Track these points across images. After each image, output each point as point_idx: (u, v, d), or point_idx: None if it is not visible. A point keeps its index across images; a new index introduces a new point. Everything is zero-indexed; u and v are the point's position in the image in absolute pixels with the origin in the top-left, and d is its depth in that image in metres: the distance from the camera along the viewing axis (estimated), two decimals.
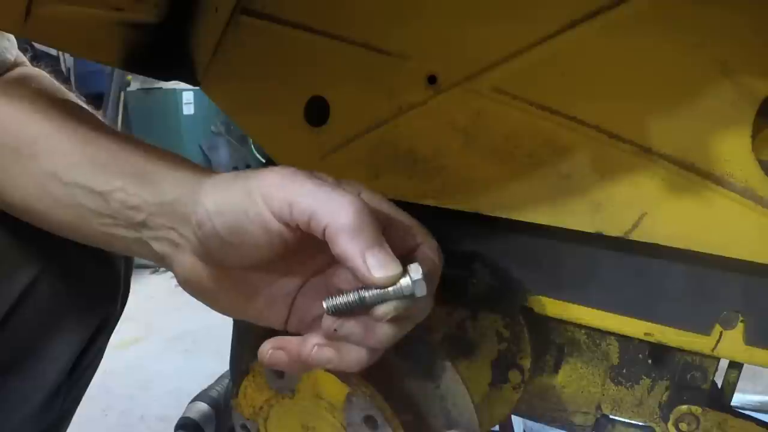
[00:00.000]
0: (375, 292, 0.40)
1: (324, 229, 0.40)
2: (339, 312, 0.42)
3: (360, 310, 0.41)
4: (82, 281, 0.68)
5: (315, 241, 0.42)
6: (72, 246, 0.57)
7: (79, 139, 0.52)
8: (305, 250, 0.46)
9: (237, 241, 0.43)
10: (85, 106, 0.61)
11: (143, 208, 0.48)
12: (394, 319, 0.42)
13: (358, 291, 0.41)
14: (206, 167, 0.52)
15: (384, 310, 0.41)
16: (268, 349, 0.46)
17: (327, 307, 0.42)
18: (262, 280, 0.49)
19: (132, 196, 0.48)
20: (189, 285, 0.49)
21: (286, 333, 0.51)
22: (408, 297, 0.40)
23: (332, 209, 0.40)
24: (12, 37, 0.64)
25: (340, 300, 0.41)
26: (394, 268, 0.40)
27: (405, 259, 0.43)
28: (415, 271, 0.40)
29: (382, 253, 0.40)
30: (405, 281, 0.40)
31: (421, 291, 0.40)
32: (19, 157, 0.53)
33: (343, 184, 0.47)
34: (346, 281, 0.47)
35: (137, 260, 0.78)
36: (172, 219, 0.47)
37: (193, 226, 0.45)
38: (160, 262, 0.50)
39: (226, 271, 0.47)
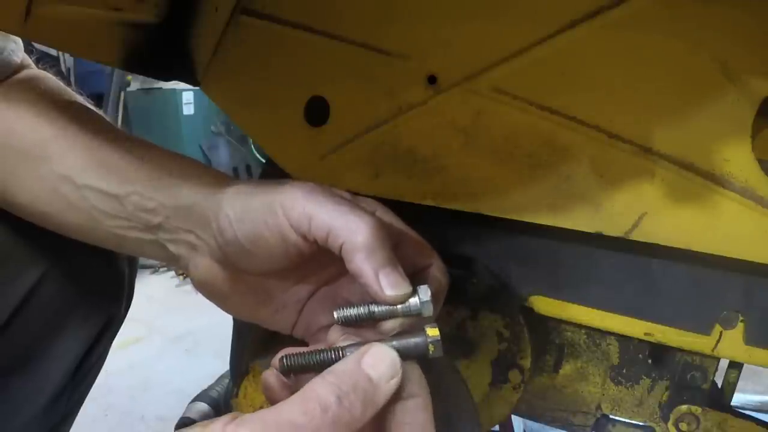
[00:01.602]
0: (384, 308, 0.42)
1: (341, 246, 0.41)
2: (348, 323, 0.43)
3: (368, 322, 0.43)
4: (87, 282, 0.68)
5: (328, 252, 0.43)
6: (77, 247, 0.57)
7: (92, 142, 0.53)
8: (318, 261, 0.47)
9: (255, 249, 0.44)
10: (93, 108, 0.61)
11: (160, 211, 0.49)
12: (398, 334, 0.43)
13: (368, 305, 0.42)
14: (223, 173, 0.53)
15: (391, 326, 0.42)
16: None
17: (337, 318, 0.43)
18: (276, 286, 0.49)
19: (148, 200, 0.49)
20: (203, 286, 0.50)
21: (291, 337, 0.51)
22: (414, 315, 0.42)
23: (350, 228, 0.41)
24: (18, 39, 0.64)
25: (351, 312, 0.43)
26: (405, 287, 0.41)
27: (414, 277, 0.44)
28: (424, 292, 0.42)
29: (395, 273, 0.41)
30: (414, 301, 0.41)
31: (428, 311, 0.42)
32: (28, 159, 0.53)
33: (360, 202, 0.48)
34: (354, 293, 0.48)
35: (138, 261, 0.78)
36: (191, 222, 0.48)
37: (214, 231, 0.46)
38: (175, 264, 0.51)
39: (241, 275, 0.48)
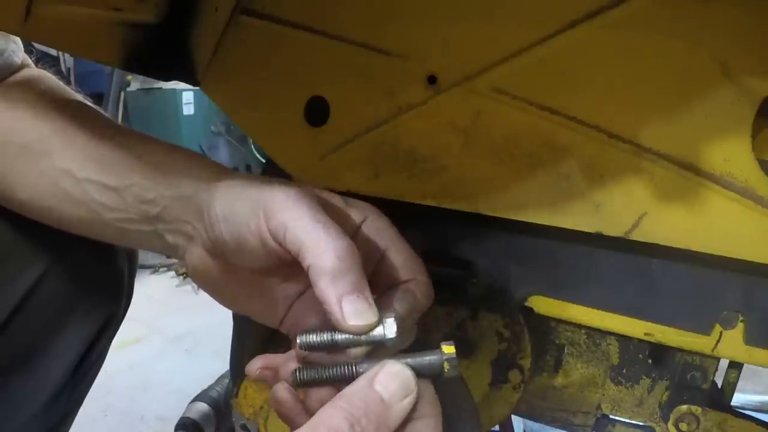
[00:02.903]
0: (347, 336, 0.40)
1: (308, 268, 0.40)
2: (311, 349, 0.41)
3: (331, 350, 0.41)
4: (86, 280, 0.68)
5: None
6: (76, 245, 0.57)
7: (92, 137, 0.53)
8: None
9: (239, 248, 0.44)
10: (93, 106, 0.62)
11: (159, 201, 0.49)
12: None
13: (331, 333, 0.40)
14: (220, 165, 0.53)
15: (356, 353, 0.40)
16: (256, 368, 0.47)
17: (300, 343, 0.41)
18: (265, 281, 0.49)
19: (147, 191, 0.50)
20: (197, 275, 0.50)
21: (286, 335, 0.51)
22: (379, 344, 0.40)
23: (317, 250, 0.40)
24: (18, 39, 0.64)
25: (313, 338, 0.41)
26: (370, 317, 0.39)
27: (394, 290, 0.44)
28: (390, 326, 0.39)
29: (360, 300, 0.39)
30: (378, 331, 0.39)
31: (392, 345, 0.39)
32: (29, 154, 0.53)
33: (353, 206, 0.47)
34: None
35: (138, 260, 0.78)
36: (188, 213, 0.48)
37: (206, 224, 0.46)
38: (172, 253, 0.52)
39: (232, 268, 0.48)
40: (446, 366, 0.38)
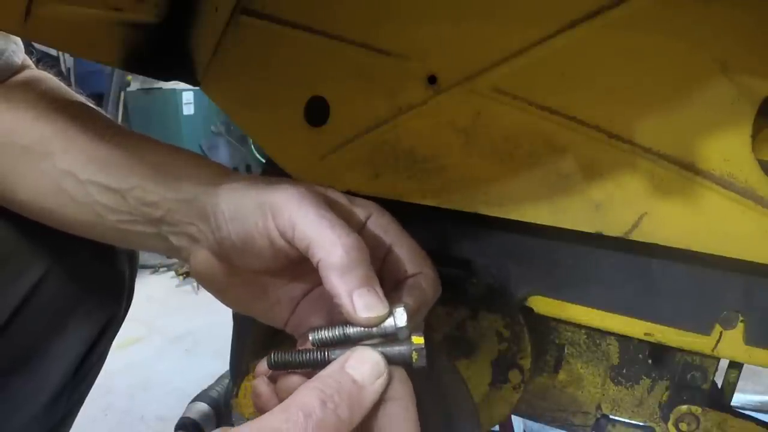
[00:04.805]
0: (359, 329, 0.41)
1: (318, 262, 0.41)
2: (324, 345, 0.42)
3: (343, 345, 0.42)
4: (87, 281, 0.68)
5: None
6: (78, 246, 0.57)
7: (94, 138, 0.53)
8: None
9: (246, 248, 0.45)
10: (94, 107, 0.62)
11: (161, 204, 0.49)
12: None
13: (343, 327, 0.41)
14: (223, 166, 0.53)
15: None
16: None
17: (312, 340, 0.42)
18: (270, 282, 0.50)
19: (150, 193, 0.50)
20: (201, 277, 0.51)
21: (291, 337, 0.52)
22: (391, 336, 0.41)
23: (326, 245, 0.40)
24: (19, 40, 0.64)
25: (325, 334, 0.42)
26: (380, 309, 0.40)
27: (401, 285, 0.44)
28: (400, 317, 0.40)
29: (370, 294, 0.40)
30: (389, 323, 0.40)
31: (403, 336, 0.40)
32: (30, 155, 0.53)
33: (356, 204, 0.48)
34: None
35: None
36: (192, 215, 0.48)
37: (212, 226, 0.46)
38: (176, 255, 0.52)
39: (237, 269, 0.48)
40: (415, 356, 0.39)
